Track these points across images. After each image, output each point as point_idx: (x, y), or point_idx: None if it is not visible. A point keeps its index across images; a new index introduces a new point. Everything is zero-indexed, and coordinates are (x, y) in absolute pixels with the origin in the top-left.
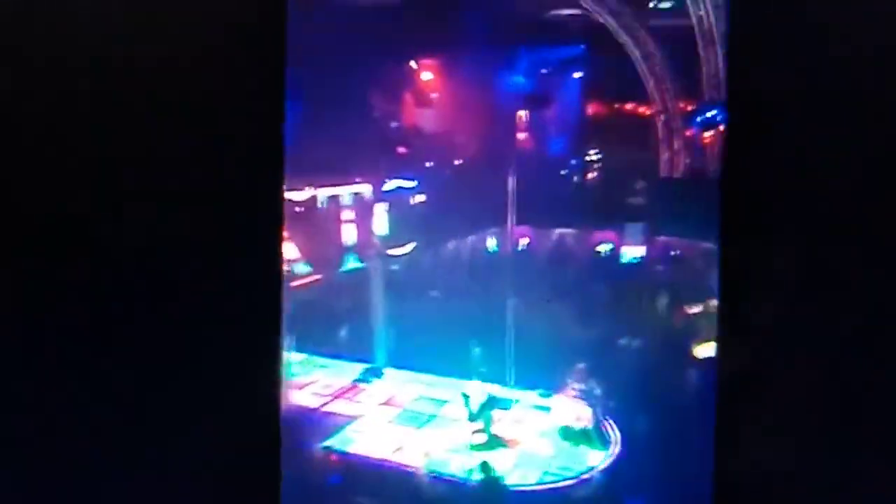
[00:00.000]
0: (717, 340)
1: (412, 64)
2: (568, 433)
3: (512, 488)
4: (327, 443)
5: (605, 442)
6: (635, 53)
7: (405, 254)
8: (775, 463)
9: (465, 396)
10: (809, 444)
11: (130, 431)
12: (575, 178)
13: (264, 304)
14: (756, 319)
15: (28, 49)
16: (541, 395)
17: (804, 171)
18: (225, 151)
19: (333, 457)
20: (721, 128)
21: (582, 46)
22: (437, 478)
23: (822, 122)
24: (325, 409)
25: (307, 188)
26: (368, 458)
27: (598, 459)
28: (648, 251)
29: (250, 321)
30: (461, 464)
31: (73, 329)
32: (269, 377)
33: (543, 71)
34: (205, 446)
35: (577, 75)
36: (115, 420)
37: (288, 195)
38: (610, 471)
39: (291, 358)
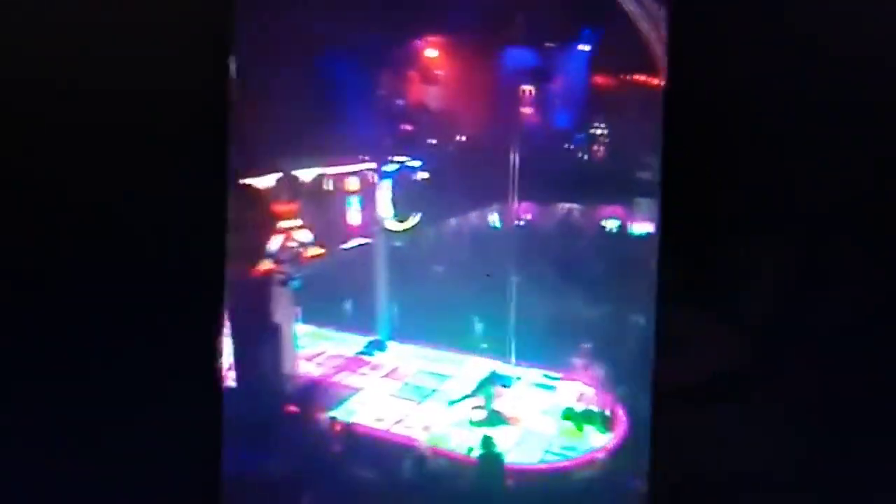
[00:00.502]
0: (656, 345)
1: (416, 41)
2: (571, 413)
3: (512, 466)
4: (331, 413)
5: (609, 423)
6: (643, 23)
7: (408, 228)
8: (713, 463)
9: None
10: (757, 444)
11: (70, 410)
12: (580, 153)
13: (207, 284)
14: (699, 320)
15: None
16: (544, 374)
17: (748, 167)
18: (170, 141)
19: (337, 427)
20: None
21: (588, 18)
22: (438, 452)
23: (766, 117)
24: (330, 380)
25: (313, 167)
26: (369, 429)
27: (601, 441)
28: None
29: (193, 301)
30: (462, 439)
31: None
32: (209, 352)
33: (548, 44)
34: (149, 423)
35: (582, 47)
36: (56, 393)
37: (294, 173)
38: (613, 452)
39: (298, 330)
